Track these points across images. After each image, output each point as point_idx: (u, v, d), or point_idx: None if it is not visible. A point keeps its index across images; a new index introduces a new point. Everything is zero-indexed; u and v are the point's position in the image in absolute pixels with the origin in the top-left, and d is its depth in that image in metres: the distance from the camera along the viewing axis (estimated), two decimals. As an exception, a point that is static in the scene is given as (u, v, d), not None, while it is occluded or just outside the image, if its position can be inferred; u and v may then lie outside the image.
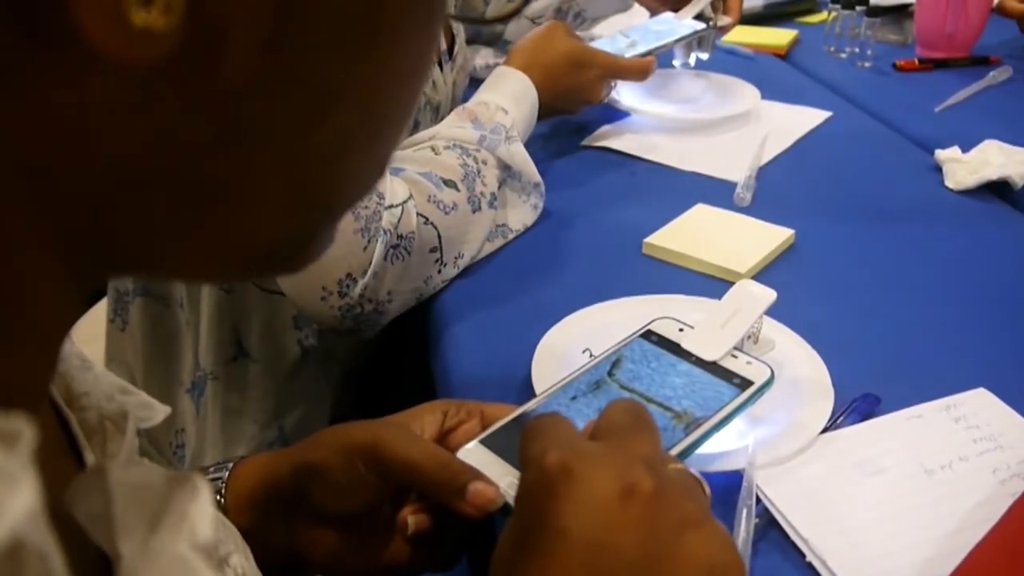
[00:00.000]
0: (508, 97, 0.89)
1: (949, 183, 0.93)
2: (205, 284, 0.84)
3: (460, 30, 1.05)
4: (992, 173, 0.91)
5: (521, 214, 0.86)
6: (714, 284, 0.75)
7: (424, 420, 0.52)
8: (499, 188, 0.83)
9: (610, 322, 0.67)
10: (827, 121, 1.12)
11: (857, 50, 1.34)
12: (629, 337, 0.59)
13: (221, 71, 0.22)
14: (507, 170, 0.84)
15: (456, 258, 0.78)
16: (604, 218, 0.88)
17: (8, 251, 0.22)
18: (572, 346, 0.65)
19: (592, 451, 0.38)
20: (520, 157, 0.85)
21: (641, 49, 1.04)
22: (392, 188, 0.73)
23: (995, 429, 0.58)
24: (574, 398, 0.53)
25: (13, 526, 0.18)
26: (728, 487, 0.53)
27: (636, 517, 0.35)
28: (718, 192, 0.92)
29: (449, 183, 0.78)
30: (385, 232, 0.71)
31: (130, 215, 0.24)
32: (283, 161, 0.25)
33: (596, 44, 1.05)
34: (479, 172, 0.81)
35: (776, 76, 1.28)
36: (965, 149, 0.96)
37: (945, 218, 0.88)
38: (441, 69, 0.99)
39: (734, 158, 1.00)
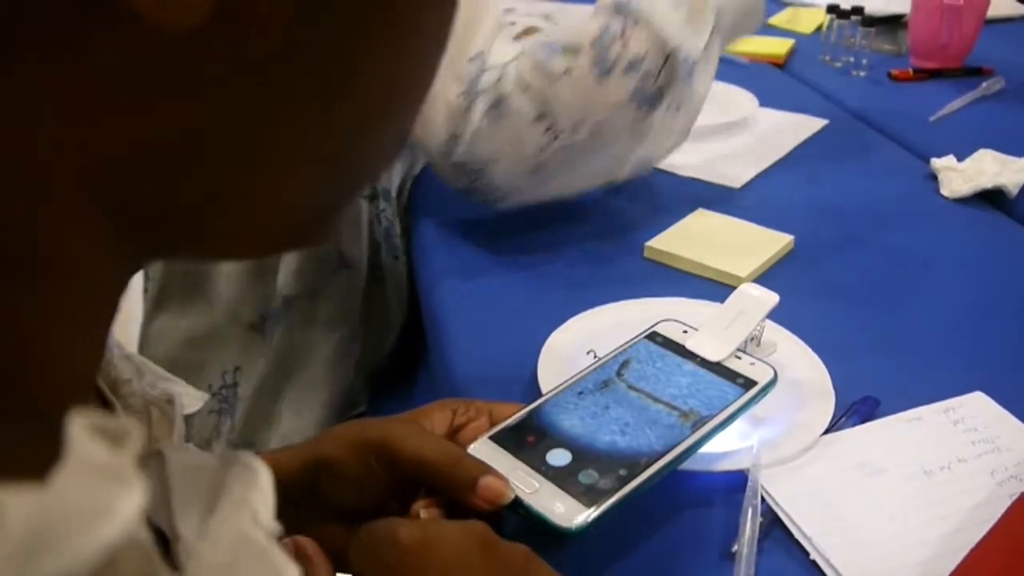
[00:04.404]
0: None
1: (944, 191, 0.94)
2: (238, 260, 0.85)
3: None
4: (987, 182, 0.93)
5: (662, 138, 0.80)
6: (714, 288, 0.76)
7: (433, 417, 0.52)
8: (657, 57, 0.74)
9: (613, 324, 0.67)
10: (823, 129, 1.13)
11: (852, 59, 1.36)
12: (634, 339, 0.60)
13: (254, 38, 0.22)
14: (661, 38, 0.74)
15: (578, 126, 0.75)
16: (606, 222, 0.89)
17: (66, 231, 0.23)
18: (576, 347, 0.66)
19: (432, 520, 0.44)
20: (662, 15, 0.74)
21: None
22: (498, 49, 0.74)
23: (993, 432, 0.59)
24: (581, 394, 0.54)
25: (127, 526, 0.19)
26: (733, 487, 0.53)
27: (496, 560, 0.41)
28: (717, 197, 0.93)
29: (570, 49, 0.75)
30: (483, 92, 0.74)
31: (171, 189, 0.24)
32: (311, 133, 0.26)
33: None
34: (622, 33, 0.74)
35: (773, 84, 1.30)
36: (959, 158, 0.97)
37: (941, 225, 0.89)
38: None
39: (732, 164, 1.01)
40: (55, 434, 0.21)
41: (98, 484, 0.19)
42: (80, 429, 0.19)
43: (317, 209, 0.30)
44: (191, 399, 0.37)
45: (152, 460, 0.27)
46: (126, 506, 0.19)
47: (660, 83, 0.76)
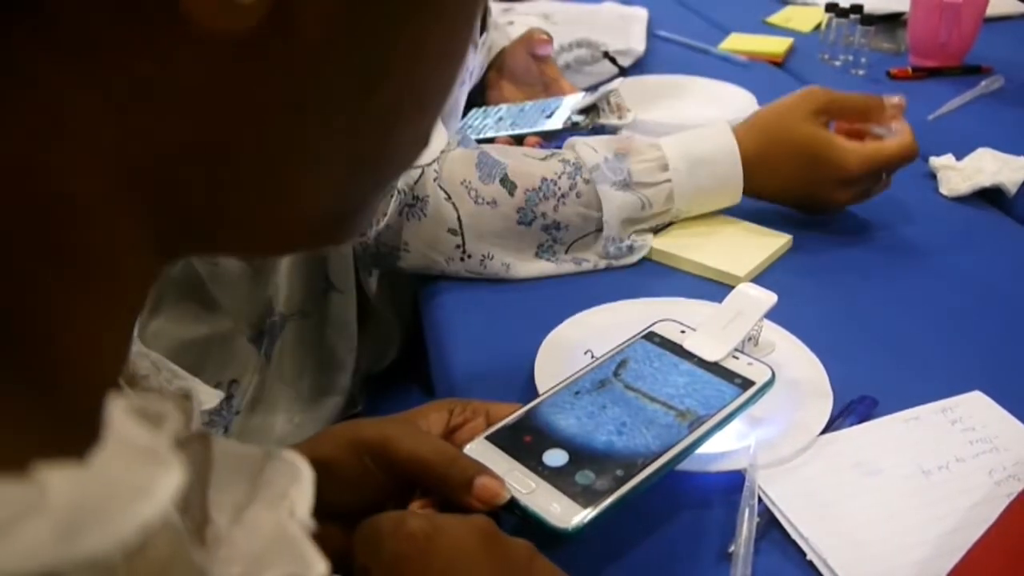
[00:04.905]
0: (683, 154, 0.79)
1: (943, 190, 0.94)
2: (264, 257, 0.85)
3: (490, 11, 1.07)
4: (985, 180, 0.93)
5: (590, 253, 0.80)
6: (713, 287, 0.76)
7: (430, 418, 0.52)
8: (577, 227, 0.78)
9: (611, 324, 0.67)
10: (822, 128, 1.12)
11: (851, 58, 1.35)
12: (631, 338, 0.60)
13: (294, 41, 0.23)
14: (600, 213, 0.78)
15: (485, 257, 0.77)
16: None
17: (102, 226, 0.23)
18: (574, 347, 0.66)
19: (437, 514, 0.44)
20: (616, 205, 0.77)
21: (519, 130, 0.99)
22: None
23: (990, 431, 0.59)
24: (578, 394, 0.54)
25: (164, 506, 0.19)
26: (730, 487, 0.53)
27: (500, 554, 0.41)
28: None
29: (510, 182, 0.76)
30: (400, 192, 0.74)
31: (211, 188, 0.25)
32: (341, 131, 0.26)
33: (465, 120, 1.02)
34: (561, 196, 0.77)
35: (771, 83, 1.29)
36: (958, 157, 0.97)
37: (940, 224, 0.89)
38: (474, 50, 1.00)
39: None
40: (87, 422, 0.21)
41: (138, 464, 0.19)
42: (120, 410, 0.19)
43: (342, 207, 0.30)
44: (206, 396, 0.37)
45: (190, 444, 0.27)
46: (164, 486, 0.19)
47: (574, 251, 0.79)
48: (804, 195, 0.84)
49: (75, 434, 0.21)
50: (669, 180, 0.79)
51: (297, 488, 0.27)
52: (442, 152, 0.77)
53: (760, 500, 0.52)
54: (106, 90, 0.21)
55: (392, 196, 0.73)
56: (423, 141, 0.32)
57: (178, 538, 0.21)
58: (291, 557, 0.26)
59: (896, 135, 0.83)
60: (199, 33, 0.21)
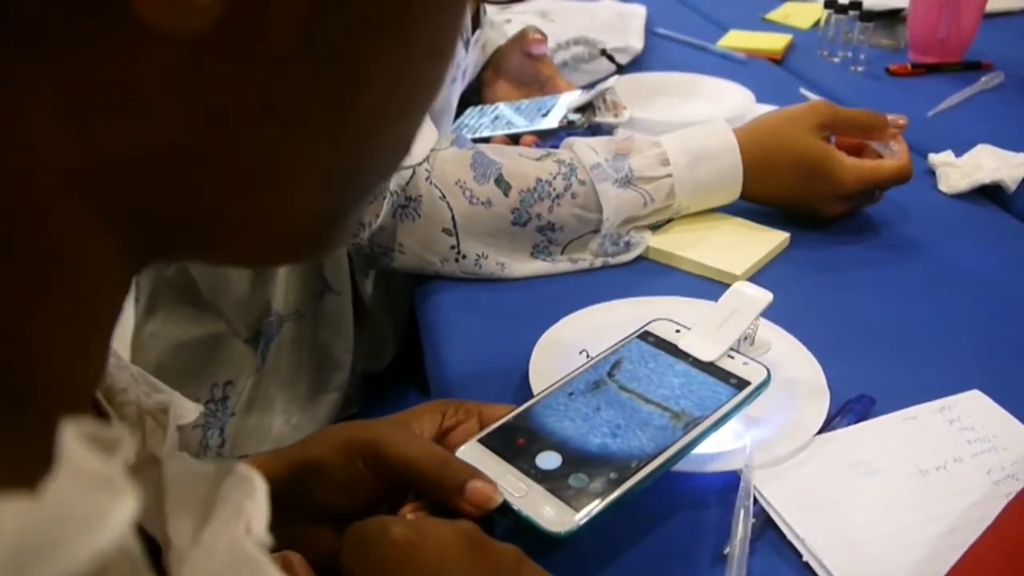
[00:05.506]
0: (683, 149, 0.79)
1: (942, 187, 0.94)
2: (246, 268, 0.85)
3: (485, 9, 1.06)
4: (985, 177, 0.92)
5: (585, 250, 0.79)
6: (710, 286, 0.75)
7: (423, 420, 0.52)
8: (573, 228, 0.78)
9: (607, 323, 0.67)
10: (821, 125, 1.12)
11: (850, 54, 1.35)
12: (626, 338, 0.59)
13: (262, 44, 0.22)
14: (597, 214, 0.77)
15: (479, 257, 0.77)
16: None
17: (68, 234, 0.22)
18: (569, 347, 0.65)
19: (423, 519, 0.44)
20: (616, 204, 0.77)
21: (516, 128, 0.99)
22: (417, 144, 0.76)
23: (989, 431, 0.58)
24: (572, 395, 0.54)
25: (118, 535, 0.18)
26: (725, 487, 0.53)
27: (487, 560, 0.41)
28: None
29: (502, 182, 0.76)
30: (392, 193, 0.73)
31: (178, 195, 0.24)
32: (320, 137, 0.26)
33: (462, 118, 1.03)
34: (556, 197, 0.76)
35: (770, 80, 1.29)
36: (958, 153, 0.97)
37: (939, 221, 0.88)
38: (466, 49, 1.00)
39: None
40: (53, 442, 0.20)
41: (90, 493, 0.19)
42: (72, 438, 0.19)
43: (322, 217, 0.29)
44: (187, 410, 0.37)
45: (147, 467, 0.27)
46: (118, 515, 0.19)
47: (570, 252, 0.79)
48: (798, 205, 0.85)
49: (42, 451, 0.21)
50: (670, 175, 0.79)
51: (252, 502, 0.26)
52: (433, 151, 0.76)
53: (756, 501, 0.52)
54: (69, 90, 0.21)
55: (385, 198, 0.73)
56: (408, 144, 0.31)
57: (134, 566, 0.21)
58: (249, 575, 0.25)
59: (895, 155, 0.84)
60: (160, 33, 0.20)
